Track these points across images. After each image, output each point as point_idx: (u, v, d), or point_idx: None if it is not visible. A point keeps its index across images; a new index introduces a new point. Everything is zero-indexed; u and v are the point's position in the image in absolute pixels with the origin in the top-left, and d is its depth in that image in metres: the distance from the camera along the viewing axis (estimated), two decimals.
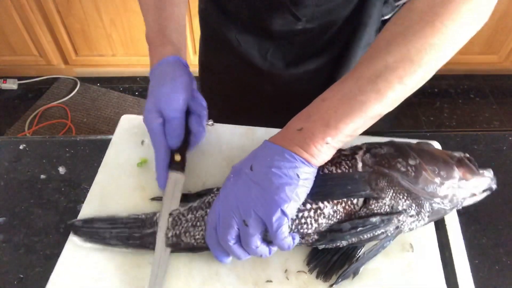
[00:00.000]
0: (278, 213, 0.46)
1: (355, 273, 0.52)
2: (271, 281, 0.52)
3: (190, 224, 0.52)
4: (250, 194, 0.47)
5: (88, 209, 0.58)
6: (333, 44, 0.76)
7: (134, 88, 2.28)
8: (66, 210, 0.61)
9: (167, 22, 0.63)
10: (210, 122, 0.68)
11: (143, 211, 0.56)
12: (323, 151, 0.48)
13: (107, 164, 0.63)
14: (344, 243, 0.51)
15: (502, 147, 0.71)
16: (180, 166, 0.58)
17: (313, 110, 0.50)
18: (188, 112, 0.59)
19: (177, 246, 0.53)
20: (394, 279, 0.52)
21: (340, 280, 0.51)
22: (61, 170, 0.66)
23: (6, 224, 0.59)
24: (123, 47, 2.13)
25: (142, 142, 0.66)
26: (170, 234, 0.53)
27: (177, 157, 0.58)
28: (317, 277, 0.52)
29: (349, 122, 0.48)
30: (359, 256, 0.53)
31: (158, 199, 0.58)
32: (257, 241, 0.47)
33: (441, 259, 0.54)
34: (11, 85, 2.22)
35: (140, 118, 0.69)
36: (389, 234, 0.52)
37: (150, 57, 0.62)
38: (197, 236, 0.52)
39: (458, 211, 0.60)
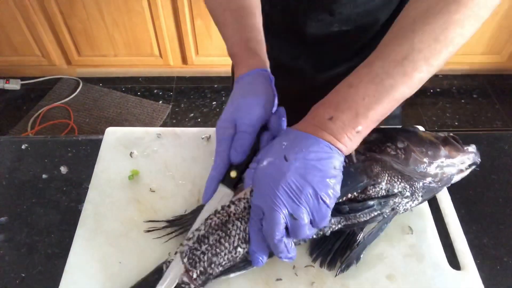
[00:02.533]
0: (324, 206, 0.46)
1: (358, 258, 0.53)
2: (281, 279, 0.52)
3: (210, 254, 0.49)
4: (292, 188, 0.45)
5: (84, 231, 0.56)
6: (369, 47, 0.74)
7: (136, 88, 2.29)
8: (67, 209, 0.61)
9: (249, 34, 0.61)
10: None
11: (140, 225, 0.56)
12: (354, 140, 0.48)
13: (97, 181, 0.62)
14: (342, 222, 0.52)
15: (504, 146, 0.71)
16: (232, 184, 0.54)
17: (341, 98, 0.48)
18: (264, 129, 0.56)
19: (208, 281, 0.49)
20: (398, 262, 0.53)
21: (344, 266, 0.52)
22: (63, 169, 0.66)
23: (8, 223, 0.59)
24: (125, 48, 2.13)
25: (131, 153, 0.65)
26: (195, 276, 0.48)
27: (233, 174, 0.54)
28: (320, 265, 0.53)
29: (378, 108, 0.47)
30: (359, 241, 0.53)
31: (152, 230, 0.56)
32: (307, 230, 0.46)
33: (439, 237, 0.56)
34: (14, 85, 2.23)
35: (125, 129, 0.68)
36: (385, 216, 0.53)
37: (237, 68, 0.60)
38: (223, 262, 0.49)
39: (459, 209, 0.60)
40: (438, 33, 0.46)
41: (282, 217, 0.45)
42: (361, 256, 0.53)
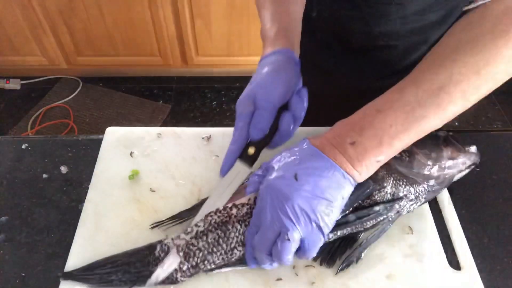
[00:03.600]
0: (319, 235, 0.45)
1: (358, 257, 0.53)
2: (281, 279, 0.52)
3: (206, 252, 0.49)
4: (296, 212, 0.44)
5: (84, 230, 0.56)
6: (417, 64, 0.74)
7: (137, 88, 2.29)
8: (68, 209, 0.61)
9: (282, 17, 0.60)
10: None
11: (140, 224, 0.56)
12: (370, 169, 0.46)
13: (97, 180, 0.62)
14: (348, 230, 0.52)
15: (504, 146, 0.71)
16: (250, 160, 0.54)
17: (367, 123, 0.46)
18: (285, 109, 0.55)
19: (195, 275, 0.50)
20: (398, 262, 0.53)
21: (344, 265, 0.52)
22: (63, 169, 0.66)
23: (8, 223, 0.59)
24: (125, 48, 2.13)
25: (131, 153, 0.65)
26: (185, 267, 0.49)
27: (251, 150, 0.53)
28: (320, 264, 0.53)
29: (404, 138, 0.45)
30: (362, 242, 0.54)
31: (158, 224, 0.56)
32: (292, 252, 0.46)
33: (439, 237, 0.56)
34: (14, 85, 2.23)
35: (125, 129, 0.68)
36: (390, 219, 0.54)
37: (264, 48, 0.59)
38: (217, 261, 0.50)
39: (459, 209, 0.60)
40: (481, 66, 0.43)
41: (275, 236, 0.45)
42: (362, 254, 0.53)
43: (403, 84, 0.47)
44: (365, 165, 0.46)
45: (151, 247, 0.51)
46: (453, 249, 0.56)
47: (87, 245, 0.54)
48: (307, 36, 0.75)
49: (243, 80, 2.30)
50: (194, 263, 0.49)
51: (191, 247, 0.50)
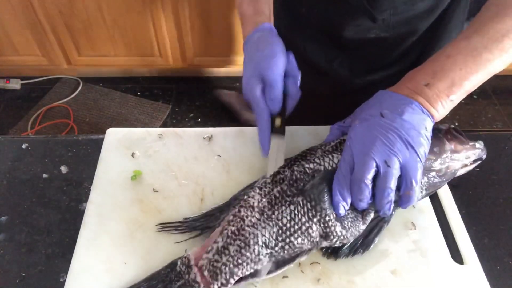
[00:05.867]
0: (417, 159, 0.48)
1: (366, 248, 0.53)
2: (287, 277, 0.52)
3: (231, 265, 0.48)
4: (389, 138, 0.48)
5: (87, 232, 0.56)
6: (405, 57, 0.75)
7: (137, 88, 2.29)
8: (68, 209, 0.61)
9: None
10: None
11: (143, 225, 0.56)
12: (446, 107, 0.50)
13: (99, 182, 0.61)
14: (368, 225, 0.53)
15: (505, 147, 0.71)
16: (281, 131, 0.58)
17: (438, 67, 0.51)
18: (284, 75, 0.59)
19: None
20: (402, 257, 0.54)
21: (351, 255, 0.52)
22: (63, 169, 0.66)
23: (8, 223, 0.59)
24: (125, 48, 2.13)
25: (133, 154, 0.65)
26: (216, 287, 0.47)
27: (278, 122, 0.58)
28: (323, 254, 0.53)
29: (473, 79, 0.50)
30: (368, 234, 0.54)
31: (164, 225, 0.56)
32: (394, 183, 0.48)
33: (442, 232, 0.57)
34: (14, 85, 2.23)
35: (126, 130, 0.68)
36: (393, 213, 0.54)
37: (244, 28, 0.63)
38: (247, 272, 0.48)
39: (459, 209, 0.60)
40: None
41: (374, 165, 0.47)
42: (372, 244, 0.53)
43: (468, 33, 0.52)
44: (441, 104, 0.50)
45: (172, 264, 0.50)
46: (455, 244, 0.56)
47: (91, 246, 0.54)
48: (298, 33, 0.75)
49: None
50: (224, 281, 0.47)
51: (215, 263, 0.48)
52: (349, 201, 0.49)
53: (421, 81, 0.50)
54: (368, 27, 0.69)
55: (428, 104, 0.49)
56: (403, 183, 0.48)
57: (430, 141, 0.50)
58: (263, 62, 0.57)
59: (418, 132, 0.48)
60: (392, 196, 0.48)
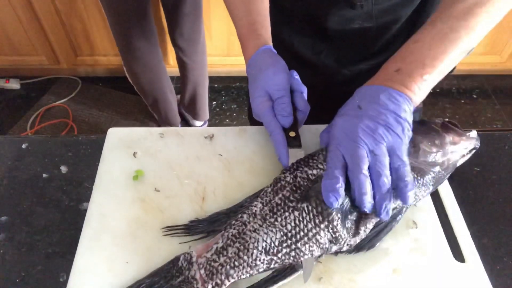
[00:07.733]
0: (399, 140, 0.49)
1: (371, 246, 0.53)
2: None
3: (228, 267, 0.48)
4: (369, 127, 0.49)
5: (89, 231, 0.55)
6: (391, 45, 0.76)
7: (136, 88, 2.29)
8: (68, 209, 0.61)
9: (255, 17, 0.66)
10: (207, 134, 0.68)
11: (145, 224, 0.56)
12: (422, 88, 0.51)
13: (101, 181, 0.61)
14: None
15: (504, 147, 0.71)
16: (297, 142, 0.59)
17: (407, 52, 0.52)
18: (291, 91, 0.61)
19: None
20: (403, 256, 0.54)
21: (354, 252, 0.53)
22: (63, 169, 0.66)
23: (8, 222, 0.59)
24: None
25: (135, 153, 0.65)
26: (210, 286, 0.47)
27: (292, 134, 0.59)
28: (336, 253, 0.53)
29: (444, 58, 0.51)
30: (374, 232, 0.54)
31: (169, 228, 0.55)
32: (387, 170, 0.49)
33: (443, 231, 0.57)
34: (14, 84, 2.23)
35: (127, 129, 0.68)
36: (403, 212, 0.55)
37: (244, 50, 0.65)
38: (243, 276, 0.48)
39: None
40: None
41: (365, 153, 0.48)
42: (378, 243, 0.53)
43: (432, 19, 0.53)
44: (415, 85, 0.51)
45: (174, 259, 0.51)
46: (456, 242, 0.56)
47: (93, 246, 0.54)
48: (285, 28, 0.76)
49: (242, 80, 2.30)
50: (218, 281, 0.48)
51: (212, 263, 0.48)
52: (339, 195, 0.49)
53: (392, 68, 0.52)
54: (350, 17, 0.70)
55: (403, 87, 0.50)
56: (391, 162, 0.49)
57: (412, 124, 0.51)
58: (268, 81, 0.59)
59: (397, 115, 0.49)
60: (388, 184, 0.48)
